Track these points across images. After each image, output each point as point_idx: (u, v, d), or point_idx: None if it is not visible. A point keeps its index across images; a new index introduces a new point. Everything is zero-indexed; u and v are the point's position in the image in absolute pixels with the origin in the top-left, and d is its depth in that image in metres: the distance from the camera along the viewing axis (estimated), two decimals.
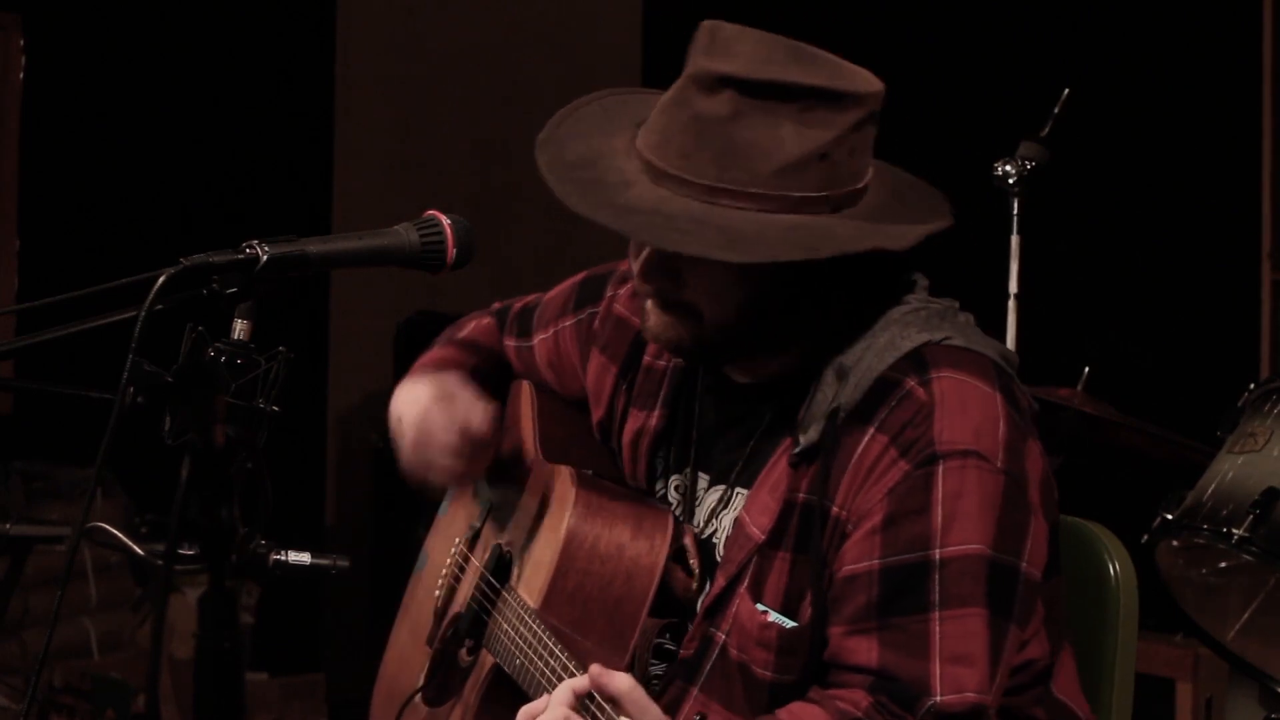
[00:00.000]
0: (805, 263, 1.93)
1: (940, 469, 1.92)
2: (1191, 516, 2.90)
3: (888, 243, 1.96)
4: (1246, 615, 3.09)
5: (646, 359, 2.24)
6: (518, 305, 2.48)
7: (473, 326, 2.50)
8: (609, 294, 2.32)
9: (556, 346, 2.38)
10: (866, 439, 1.96)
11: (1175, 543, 3.02)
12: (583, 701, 1.85)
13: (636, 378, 2.25)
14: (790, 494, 2.01)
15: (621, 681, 1.83)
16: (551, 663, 2.02)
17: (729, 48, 1.95)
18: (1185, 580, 3.10)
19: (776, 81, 1.92)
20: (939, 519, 1.91)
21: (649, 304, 2.06)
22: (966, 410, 1.95)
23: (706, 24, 1.99)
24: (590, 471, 2.21)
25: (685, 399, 2.19)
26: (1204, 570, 3.10)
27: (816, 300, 2.02)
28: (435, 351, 2.45)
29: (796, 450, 2.00)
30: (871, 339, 2.00)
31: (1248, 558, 2.89)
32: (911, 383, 1.96)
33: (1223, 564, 3.09)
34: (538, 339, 2.41)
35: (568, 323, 2.37)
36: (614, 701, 1.82)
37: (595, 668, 1.85)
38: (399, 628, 2.51)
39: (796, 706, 1.93)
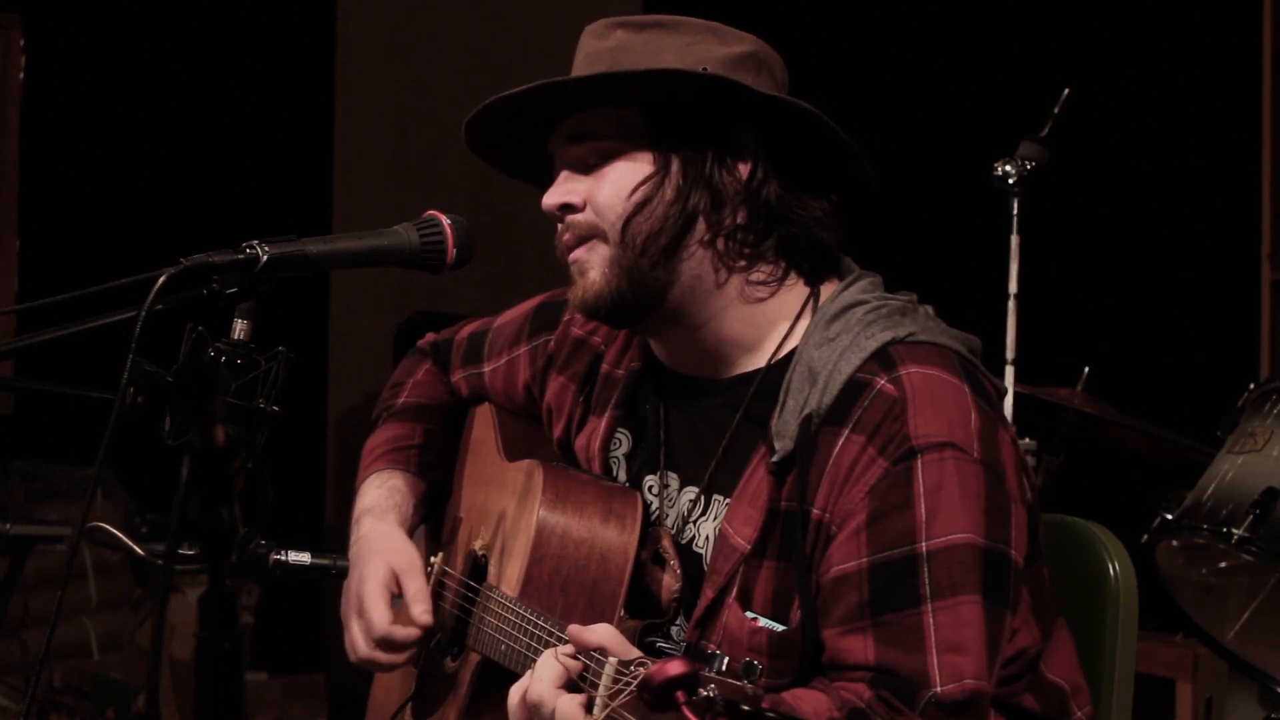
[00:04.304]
0: (709, 171, 2.04)
1: (919, 463, 1.93)
2: (1191, 516, 2.90)
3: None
4: (1246, 615, 3.09)
5: (605, 368, 2.27)
6: (463, 333, 2.51)
7: (411, 385, 2.51)
8: (565, 319, 2.34)
9: (510, 373, 2.41)
10: (842, 441, 1.97)
11: (1175, 543, 3.02)
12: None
13: (594, 389, 2.27)
14: (772, 503, 2.02)
15: (599, 630, 1.84)
16: (537, 634, 2.03)
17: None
18: (1185, 580, 3.10)
19: (662, 20, 2.09)
20: (922, 512, 1.92)
21: (570, 260, 2.14)
22: (938, 404, 1.96)
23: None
24: (555, 462, 2.22)
25: (650, 401, 2.20)
26: (1204, 570, 3.10)
27: (715, 200, 2.05)
28: (380, 434, 2.47)
29: (774, 459, 2.01)
30: (835, 340, 2.02)
31: (1248, 558, 2.89)
32: (881, 381, 1.97)
33: (1223, 564, 3.09)
34: (489, 367, 2.44)
35: (522, 349, 2.39)
36: (600, 649, 1.82)
37: (572, 627, 1.86)
38: None
39: (801, 691, 1.93)
